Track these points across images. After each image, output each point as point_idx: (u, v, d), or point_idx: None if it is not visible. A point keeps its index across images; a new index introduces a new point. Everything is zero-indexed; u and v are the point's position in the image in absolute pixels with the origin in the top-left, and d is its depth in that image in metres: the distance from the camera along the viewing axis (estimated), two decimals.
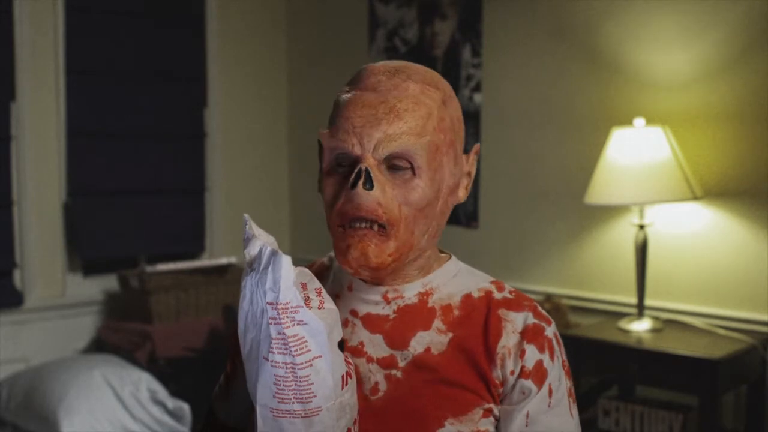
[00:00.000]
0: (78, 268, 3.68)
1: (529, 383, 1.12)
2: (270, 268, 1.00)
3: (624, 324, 2.85)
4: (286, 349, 1.00)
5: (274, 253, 1.01)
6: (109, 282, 3.71)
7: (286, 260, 1.00)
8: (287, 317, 1.00)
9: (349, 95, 1.13)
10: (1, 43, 3.35)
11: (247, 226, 1.05)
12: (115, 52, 3.67)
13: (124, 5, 3.69)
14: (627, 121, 2.89)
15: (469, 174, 1.19)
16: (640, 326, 2.82)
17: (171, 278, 3.54)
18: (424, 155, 1.10)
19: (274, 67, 4.25)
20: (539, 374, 1.13)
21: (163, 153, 3.84)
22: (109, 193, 3.70)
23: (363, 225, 1.09)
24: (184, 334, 3.46)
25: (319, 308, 1.02)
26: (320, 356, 1.01)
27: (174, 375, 3.37)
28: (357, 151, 1.09)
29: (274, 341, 1.00)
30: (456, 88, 3.57)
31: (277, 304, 0.99)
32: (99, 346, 3.61)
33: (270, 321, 1.00)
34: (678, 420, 2.70)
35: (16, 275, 3.47)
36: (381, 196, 1.08)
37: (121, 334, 3.52)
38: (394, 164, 1.10)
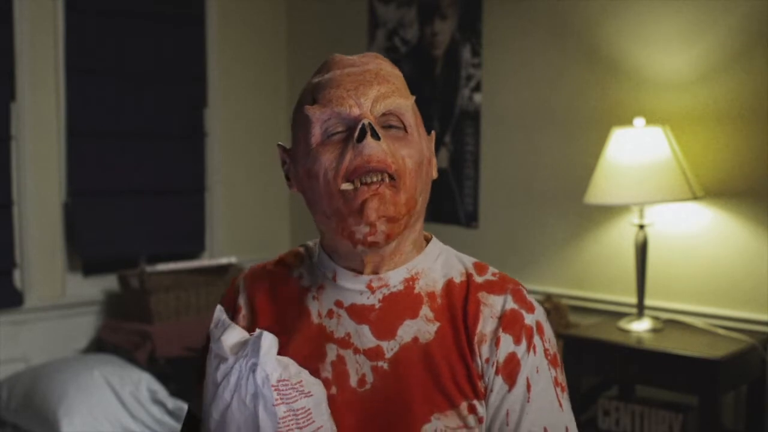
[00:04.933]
0: (78, 268, 3.68)
1: (499, 380, 1.11)
2: (263, 351, 1.02)
3: (624, 324, 2.85)
4: (296, 423, 1.01)
5: (262, 336, 1.02)
6: (109, 282, 3.71)
7: (273, 339, 1.03)
8: (295, 391, 1.01)
9: (327, 75, 1.16)
10: (1, 43, 3.35)
11: (224, 318, 1.07)
12: (115, 52, 3.67)
13: (124, 5, 3.69)
14: (627, 121, 2.89)
15: (433, 155, 1.22)
16: (640, 326, 2.82)
17: (171, 278, 3.54)
18: (411, 115, 1.16)
19: (274, 67, 4.25)
20: (510, 367, 1.11)
21: (163, 153, 3.84)
22: (109, 193, 3.70)
23: (374, 180, 1.09)
24: (184, 334, 3.45)
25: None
26: (321, 426, 1.03)
27: (174, 375, 3.37)
28: (356, 111, 1.11)
29: (282, 420, 1.00)
30: (456, 88, 3.58)
31: (284, 380, 1.01)
32: (99, 346, 3.61)
33: (276, 401, 1.00)
34: (678, 420, 2.70)
35: (16, 275, 3.47)
36: (387, 147, 1.11)
37: (121, 334, 3.52)
38: (387, 123, 1.13)
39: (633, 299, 2.92)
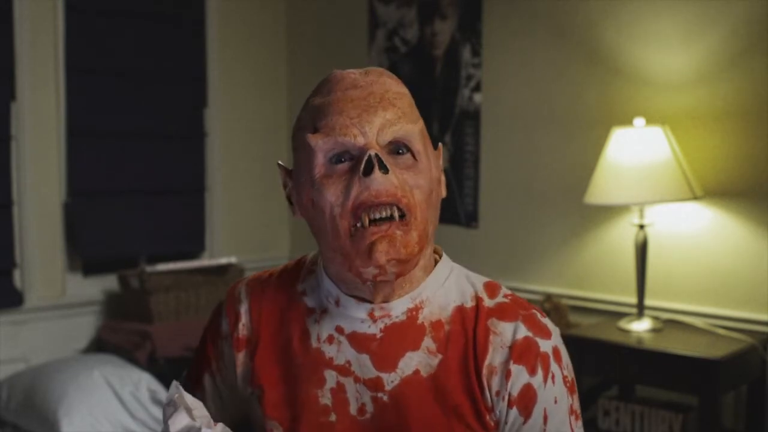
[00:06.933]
0: (78, 268, 3.68)
1: (514, 412, 1.07)
2: None
3: (624, 324, 2.85)
4: None
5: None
6: (109, 282, 3.71)
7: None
8: None
9: (328, 97, 1.08)
10: (1, 43, 3.35)
11: (176, 396, 1.03)
12: (115, 52, 3.67)
13: (124, 5, 3.69)
14: (627, 121, 2.89)
15: (442, 170, 1.17)
16: (640, 326, 2.82)
17: (171, 278, 3.54)
18: (420, 141, 1.09)
19: (274, 67, 4.25)
20: (526, 399, 1.07)
21: (163, 153, 3.84)
22: (109, 193, 3.70)
23: (384, 215, 1.03)
24: (184, 334, 3.45)
25: None
26: None
27: (174, 375, 3.37)
28: (360, 141, 1.05)
29: None
30: (456, 88, 3.57)
31: None
32: (99, 346, 3.61)
33: None
34: (678, 420, 2.70)
35: (16, 275, 3.47)
36: (396, 179, 1.04)
37: (121, 334, 3.51)
38: (394, 150, 1.07)
39: (633, 299, 2.92)
